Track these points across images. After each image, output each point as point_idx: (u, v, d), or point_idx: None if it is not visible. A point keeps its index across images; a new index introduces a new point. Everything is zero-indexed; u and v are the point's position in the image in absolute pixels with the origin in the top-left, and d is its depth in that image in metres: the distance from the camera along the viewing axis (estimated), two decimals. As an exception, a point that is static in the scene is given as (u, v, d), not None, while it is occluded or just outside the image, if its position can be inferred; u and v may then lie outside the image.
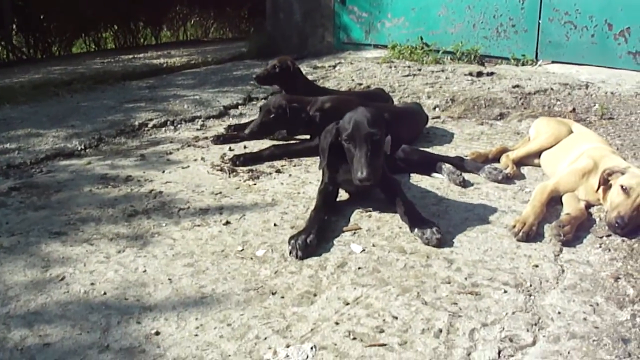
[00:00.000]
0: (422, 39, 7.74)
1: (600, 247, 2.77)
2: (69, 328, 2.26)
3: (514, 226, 2.90)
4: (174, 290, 2.49)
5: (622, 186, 2.93)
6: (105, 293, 2.49)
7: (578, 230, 2.91)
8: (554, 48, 6.91)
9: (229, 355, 2.05)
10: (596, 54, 6.57)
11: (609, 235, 2.86)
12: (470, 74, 6.51)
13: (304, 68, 7.00)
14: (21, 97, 6.43)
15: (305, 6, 9.15)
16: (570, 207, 3.06)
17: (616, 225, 2.83)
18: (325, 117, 4.15)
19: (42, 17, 10.55)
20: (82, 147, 4.65)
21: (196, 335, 2.18)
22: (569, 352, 2.01)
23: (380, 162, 2.98)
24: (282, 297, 2.40)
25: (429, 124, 4.87)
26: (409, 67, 7.04)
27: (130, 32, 12.65)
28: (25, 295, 2.49)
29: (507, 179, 3.61)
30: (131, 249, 2.88)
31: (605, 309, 2.27)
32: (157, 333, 2.20)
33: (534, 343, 2.06)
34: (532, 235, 2.86)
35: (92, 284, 2.56)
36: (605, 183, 3.09)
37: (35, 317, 2.33)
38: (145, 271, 2.66)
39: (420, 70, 6.88)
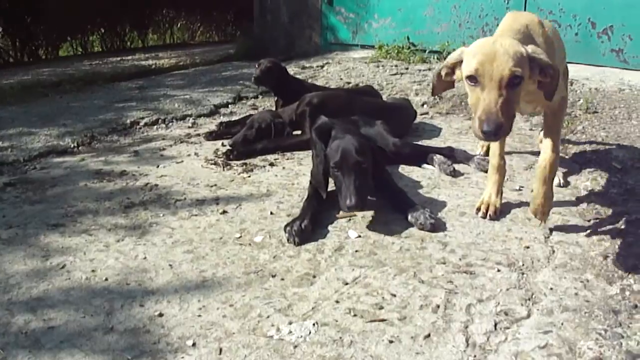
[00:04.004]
0: (408, 38, 7.83)
1: (588, 229, 2.84)
2: (72, 312, 2.29)
3: (478, 208, 3.01)
4: (175, 275, 2.54)
5: (467, 77, 2.30)
6: (106, 279, 2.53)
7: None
8: (539, 46, 7.00)
9: (233, 333, 2.10)
10: (580, 52, 6.67)
11: (596, 219, 2.94)
12: (457, 72, 6.59)
13: (292, 68, 7.08)
14: (10, 98, 6.44)
15: (293, 8, 9.22)
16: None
17: (485, 134, 2.18)
18: (313, 113, 4.22)
19: (28, 20, 10.54)
20: (75, 145, 4.67)
21: (199, 315, 2.23)
22: (562, 324, 2.08)
23: (367, 189, 3.03)
24: (282, 279, 2.45)
25: (418, 120, 4.94)
26: (396, 66, 7.13)
27: (117, 35, 12.67)
28: (26, 282, 2.53)
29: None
30: (130, 238, 2.92)
31: (596, 284, 2.34)
32: (161, 315, 2.24)
33: (528, 316, 2.13)
34: (497, 212, 2.98)
35: (93, 270, 2.60)
36: (449, 86, 2.61)
37: (38, 303, 2.36)
38: (145, 258, 2.70)
39: (407, 69, 6.96)
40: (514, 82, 2.19)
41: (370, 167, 3.05)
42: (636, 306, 2.18)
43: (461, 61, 2.36)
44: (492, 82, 2.17)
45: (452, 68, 2.46)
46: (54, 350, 2.06)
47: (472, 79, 2.23)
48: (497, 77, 2.16)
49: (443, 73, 2.49)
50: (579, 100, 5.28)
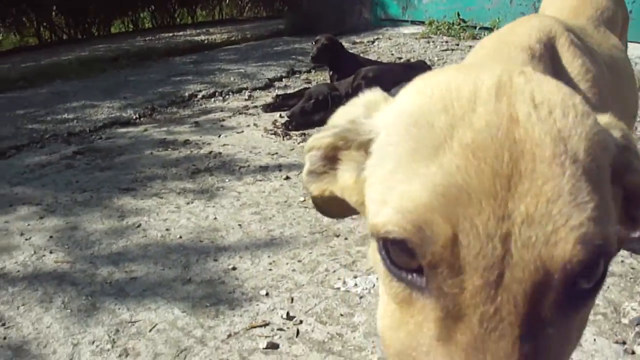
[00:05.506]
0: (459, 14, 7.83)
1: None
2: (151, 265, 2.48)
3: None
4: (245, 233, 2.70)
5: (387, 242, 0.59)
6: (181, 237, 2.71)
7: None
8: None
9: (303, 285, 2.26)
10: (635, 30, 6.61)
11: None
12: (508, 47, 6.60)
13: (344, 44, 7.13)
14: (70, 73, 6.70)
15: (343, -17, 9.28)
16: None
17: None
18: (369, 86, 4.32)
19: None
20: (137, 116, 4.87)
21: (270, 269, 2.39)
22: (608, 287, 2.18)
23: None
24: (346, 239, 2.60)
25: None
26: (446, 42, 7.16)
27: (167, 11, 12.87)
28: (106, 239, 2.72)
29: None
30: (199, 201, 3.09)
31: (648, 250, 2.43)
32: (234, 268, 2.41)
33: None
34: None
35: (167, 229, 2.79)
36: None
37: (119, 257, 2.56)
38: (215, 218, 2.87)
39: (458, 45, 6.99)
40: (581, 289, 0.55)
41: None
42: (681, 273, 2.26)
43: (367, 141, 0.70)
44: (504, 292, 0.52)
45: (332, 157, 0.79)
46: (138, 298, 2.25)
47: (405, 254, 0.58)
48: (528, 276, 0.52)
49: (308, 181, 0.84)
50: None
